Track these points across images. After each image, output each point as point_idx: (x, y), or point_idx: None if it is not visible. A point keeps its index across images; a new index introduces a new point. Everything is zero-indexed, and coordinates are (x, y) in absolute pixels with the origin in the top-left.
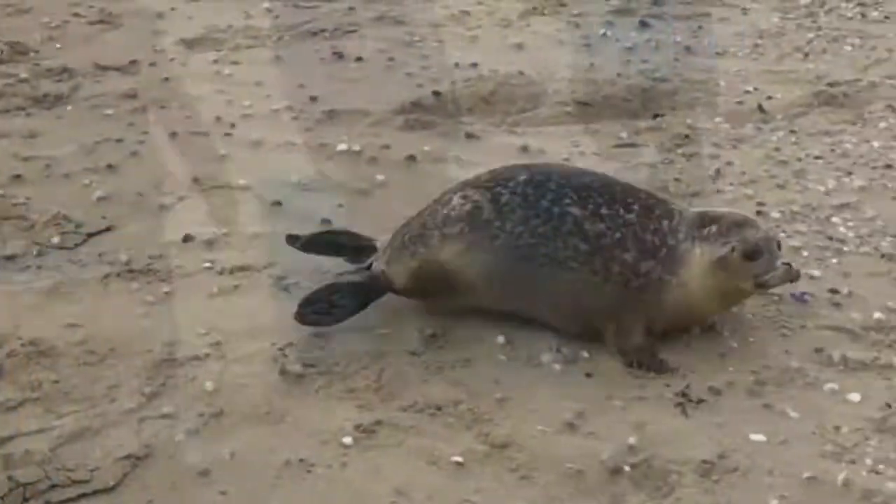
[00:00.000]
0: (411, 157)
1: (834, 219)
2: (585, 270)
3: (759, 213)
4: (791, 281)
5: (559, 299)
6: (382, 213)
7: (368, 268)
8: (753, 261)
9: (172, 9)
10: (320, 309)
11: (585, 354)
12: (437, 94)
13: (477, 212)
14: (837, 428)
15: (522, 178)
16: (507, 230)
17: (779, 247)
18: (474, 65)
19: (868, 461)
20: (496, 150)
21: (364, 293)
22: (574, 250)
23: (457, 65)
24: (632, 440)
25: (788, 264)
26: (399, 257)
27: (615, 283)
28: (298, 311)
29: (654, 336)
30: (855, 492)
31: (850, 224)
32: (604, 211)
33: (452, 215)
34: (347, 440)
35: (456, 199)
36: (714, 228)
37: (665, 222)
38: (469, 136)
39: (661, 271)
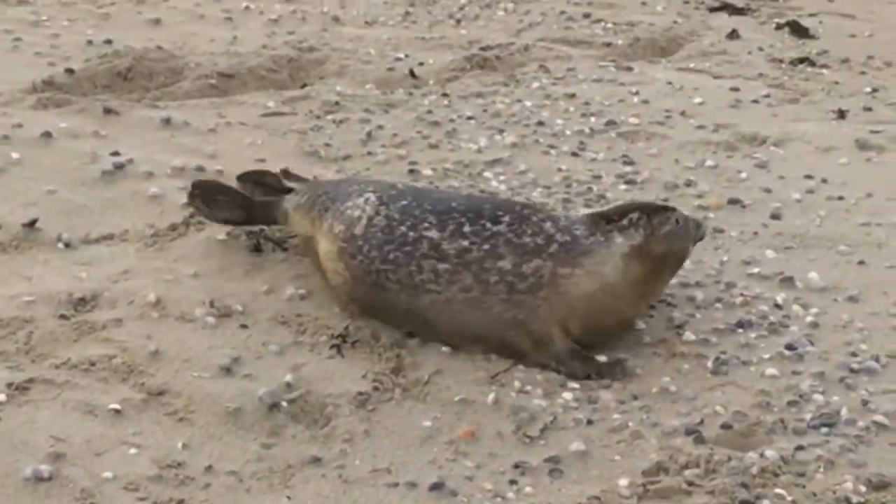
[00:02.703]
0: (47, 134)
1: (486, 173)
2: (454, 289)
3: (411, 171)
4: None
5: (432, 322)
6: (21, 189)
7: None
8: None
9: None
10: (205, 198)
11: (239, 308)
12: (70, 71)
13: (357, 222)
14: (487, 357)
15: (402, 203)
16: (364, 252)
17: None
18: (108, 41)
19: (517, 384)
20: (137, 124)
21: (253, 212)
22: (432, 272)
23: (90, 42)
24: (288, 378)
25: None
26: (306, 209)
27: (498, 294)
28: (192, 188)
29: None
30: (504, 409)
31: (502, 178)
32: (466, 228)
33: (346, 213)
34: (0, 398)
35: (360, 200)
36: (635, 216)
37: (548, 224)
38: (108, 111)
39: (554, 266)
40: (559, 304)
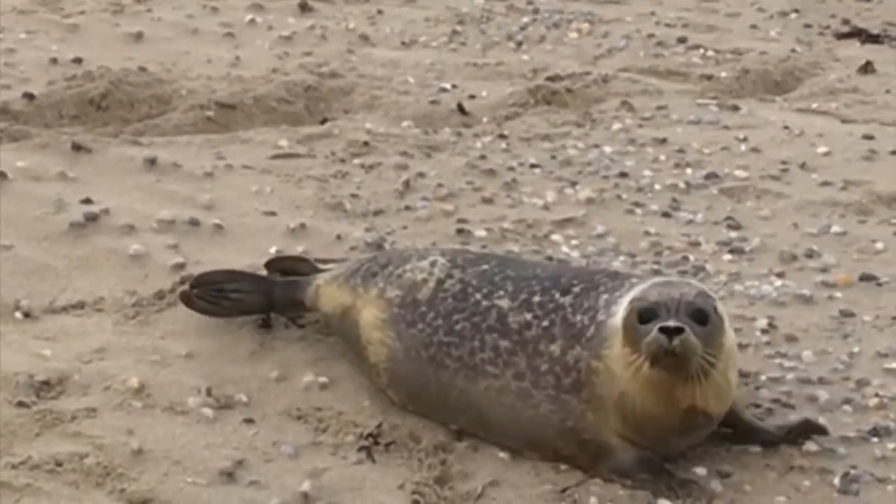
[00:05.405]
0: (1, 175)
1: (554, 236)
2: (509, 375)
3: (460, 231)
4: (668, 352)
5: (485, 415)
6: None
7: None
8: (644, 323)
9: None
10: (208, 294)
11: (243, 398)
12: (29, 97)
13: (422, 286)
14: (556, 465)
15: (483, 267)
16: (427, 321)
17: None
18: (78, 60)
19: (593, 500)
20: (114, 164)
21: (272, 297)
22: (493, 350)
23: (54, 60)
24: (306, 487)
25: (667, 328)
26: (346, 278)
27: (546, 388)
28: (185, 290)
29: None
30: None
31: (575, 242)
32: (536, 298)
33: (404, 276)
34: None
35: (425, 263)
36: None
37: (605, 296)
38: (77, 147)
39: (588, 357)
40: (600, 412)
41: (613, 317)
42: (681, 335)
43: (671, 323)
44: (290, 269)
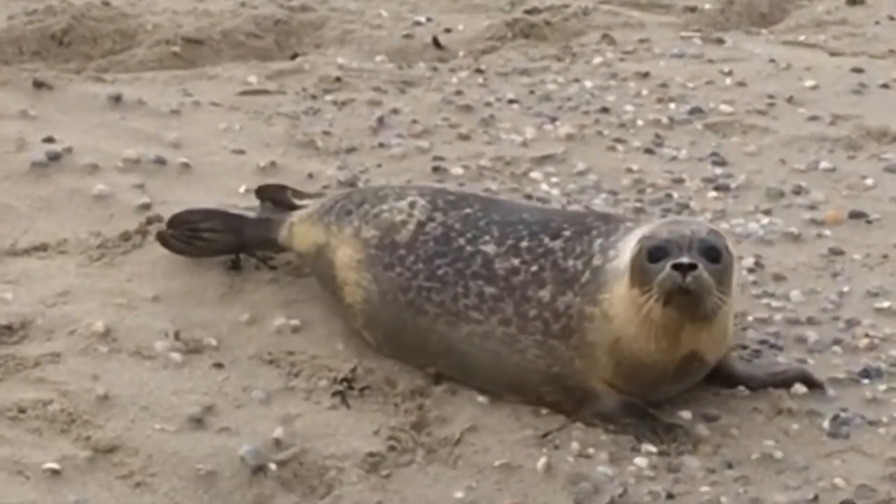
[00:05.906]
0: None
1: (534, 174)
2: (494, 321)
3: (435, 168)
4: (682, 290)
5: (466, 360)
6: None
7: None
8: (654, 262)
9: None
10: (182, 234)
11: (212, 342)
12: None
13: (400, 228)
14: (536, 410)
15: (466, 210)
16: (406, 264)
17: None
18: None
19: (575, 445)
20: (77, 102)
21: (244, 235)
22: (478, 296)
23: None
24: (278, 433)
25: (680, 265)
26: (320, 215)
27: (534, 333)
28: (161, 230)
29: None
30: (559, 477)
31: (555, 179)
32: (524, 243)
33: (381, 216)
34: None
35: (403, 203)
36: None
37: (598, 241)
38: (39, 84)
39: (581, 303)
40: (590, 359)
41: (612, 261)
42: (694, 271)
43: (685, 259)
44: (275, 196)
